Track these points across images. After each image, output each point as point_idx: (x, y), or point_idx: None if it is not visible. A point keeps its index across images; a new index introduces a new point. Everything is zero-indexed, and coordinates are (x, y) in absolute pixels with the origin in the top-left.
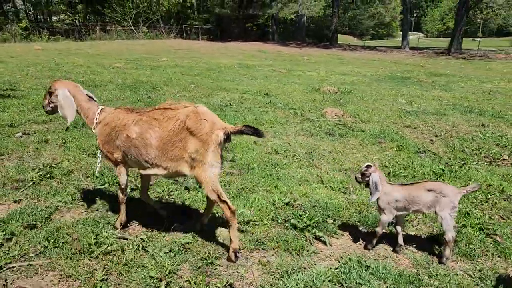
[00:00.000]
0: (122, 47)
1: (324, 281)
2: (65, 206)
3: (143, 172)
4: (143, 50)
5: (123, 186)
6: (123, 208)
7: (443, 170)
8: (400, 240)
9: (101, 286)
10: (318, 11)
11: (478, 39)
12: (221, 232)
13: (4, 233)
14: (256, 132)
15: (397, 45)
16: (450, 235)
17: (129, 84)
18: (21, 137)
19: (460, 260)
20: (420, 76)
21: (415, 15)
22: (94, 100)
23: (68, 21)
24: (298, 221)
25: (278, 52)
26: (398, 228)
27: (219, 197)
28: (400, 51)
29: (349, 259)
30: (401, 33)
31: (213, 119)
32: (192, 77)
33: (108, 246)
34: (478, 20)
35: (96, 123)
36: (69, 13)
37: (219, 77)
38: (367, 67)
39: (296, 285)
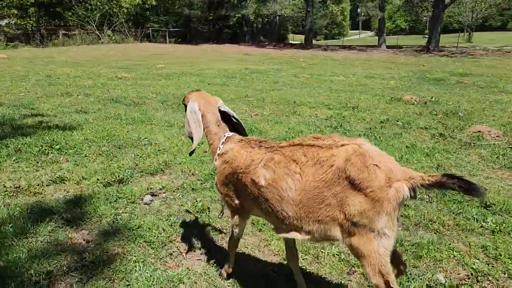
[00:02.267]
0: (95, 53)
1: None
2: None
3: (277, 234)
4: (122, 56)
5: (235, 237)
6: (232, 253)
7: None
8: None
9: None
10: (296, 11)
11: (427, 36)
12: None
13: None
14: (469, 187)
15: (370, 44)
16: None
17: (173, 100)
18: (151, 201)
19: None
20: (450, 77)
21: (362, 13)
22: (237, 121)
23: (17, 26)
24: None
25: (263, 54)
26: None
27: (387, 283)
28: (379, 50)
29: None
30: (351, 31)
31: (389, 164)
32: (221, 86)
33: None
34: (424, 17)
35: (218, 154)
36: (13, 17)
37: (252, 86)
38: (378, 69)
39: None
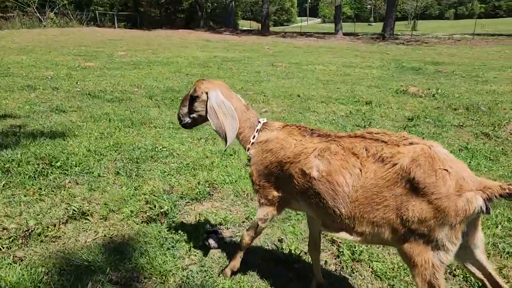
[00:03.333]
0: (41, 38)
1: None
2: None
3: (324, 230)
4: (73, 41)
5: (258, 231)
6: (240, 255)
7: None
8: None
9: None
10: None
11: (373, 24)
12: None
13: None
14: None
15: (327, 31)
16: None
17: (162, 94)
18: (218, 243)
19: None
20: (426, 66)
21: (309, 1)
22: None
23: None
24: None
25: (224, 41)
26: None
27: None
28: (337, 37)
29: None
30: (299, 18)
31: (460, 171)
32: (200, 77)
33: None
34: (368, 6)
35: (252, 143)
36: None
37: (235, 76)
38: (348, 57)
39: None
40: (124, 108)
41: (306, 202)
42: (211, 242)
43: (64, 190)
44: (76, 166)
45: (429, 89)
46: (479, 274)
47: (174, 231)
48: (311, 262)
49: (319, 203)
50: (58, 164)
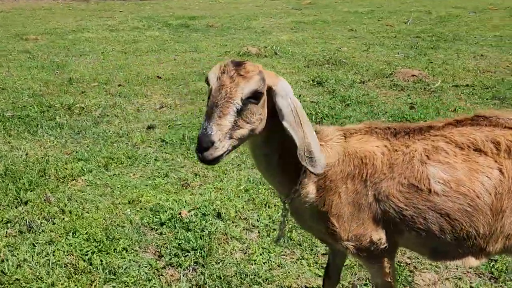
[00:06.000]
0: None
1: None
2: None
3: (432, 261)
4: None
5: None
6: None
7: None
8: None
9: None
10: None
11: None
12: None
13: None
14: None
15: None
16: None
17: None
18: None
19: None
20: (188, 23)
21: None
22: None
23: None
24: None
25: None
26: None
27: None
28: None
29: None
30: None
31: None
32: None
33: None
34: None
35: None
36: None
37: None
38: (93, 18)
39: None
40: (40, 137)
41: (417, 231)
42: None
43: None
44: None
45: (266, 47)
46: None
47: None
48: None
49: (444, 226)
50: None
